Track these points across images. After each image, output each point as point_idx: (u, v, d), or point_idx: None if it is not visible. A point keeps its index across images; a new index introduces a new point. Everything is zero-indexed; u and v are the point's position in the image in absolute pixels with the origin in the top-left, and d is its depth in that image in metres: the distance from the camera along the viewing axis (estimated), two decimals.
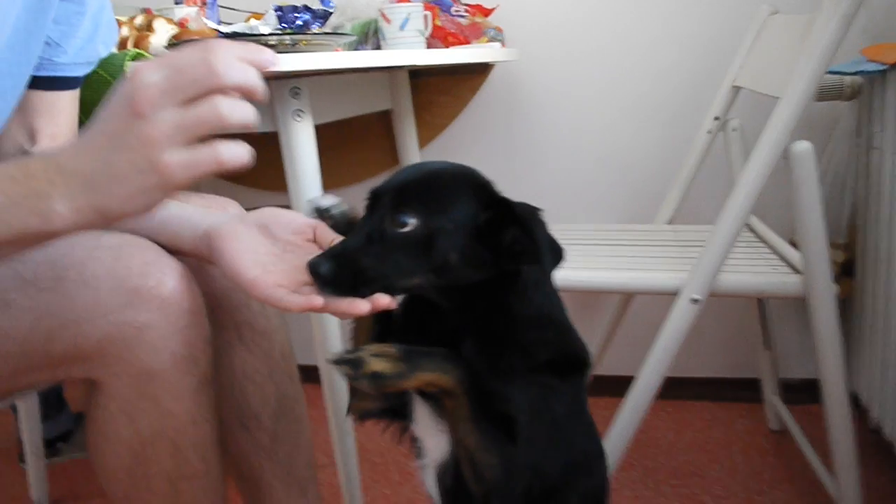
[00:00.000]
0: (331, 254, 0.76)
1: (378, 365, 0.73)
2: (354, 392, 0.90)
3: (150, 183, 0.60)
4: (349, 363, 0.73)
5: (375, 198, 0.80)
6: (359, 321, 0.91)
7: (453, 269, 0.77)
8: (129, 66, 1.04)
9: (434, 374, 0.76)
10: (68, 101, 1.01)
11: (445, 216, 0.77)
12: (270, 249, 0.81)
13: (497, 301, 0.81)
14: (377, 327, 0.89)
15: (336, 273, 0.74)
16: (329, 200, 0.88)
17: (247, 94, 0.61)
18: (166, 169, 0.59)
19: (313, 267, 0.74)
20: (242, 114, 0.60)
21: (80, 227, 0.62)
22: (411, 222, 0.76)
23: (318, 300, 0.74)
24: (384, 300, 0.75)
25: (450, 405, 0.78)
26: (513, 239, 0.77)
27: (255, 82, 0.61)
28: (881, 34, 1.60)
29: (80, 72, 1.01)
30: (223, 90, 0.60)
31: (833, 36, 1.08)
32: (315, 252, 0.81)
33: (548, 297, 0.84)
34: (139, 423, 0.83)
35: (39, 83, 0.96)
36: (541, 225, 0.76)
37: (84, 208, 0.61)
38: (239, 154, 0.61)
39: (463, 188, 0.80)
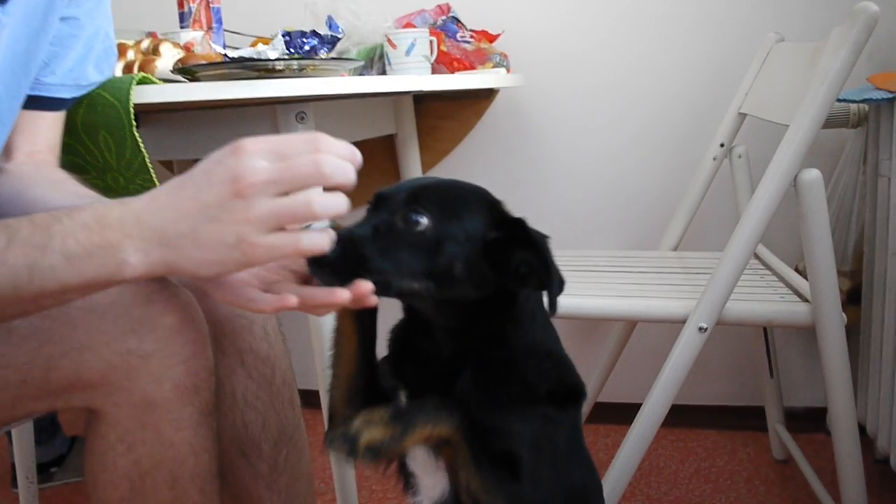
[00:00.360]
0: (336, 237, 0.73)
1: (371, 434, 0.71)
2: (334, 417, 0.88)
3: (232, 258, 0.63)
4: (344, 441, 0.71)
5: (381, 199, 0.78)
6: (339, 339, 0.87)
7: (455, 281, 0.76)
8: (135, 90, 1.03)
9: (429, 427, 0.74)
10: (51, 122, 1.00)
11: (458, 224, 0.76)
12: None
13: (493, 329, 0.80)
14: (360, 343, 0.86)
15: (336, 256, 0.71)
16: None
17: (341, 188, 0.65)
18: (250, 249, 0.63)
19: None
20: (334, 209, 0.64)
21: (148, 277, 0.65)
22: (423, 222, 0.74)
23: (291, 299, 0.70)
24: (365, 286, 0.70)
25: (449, 452, 0.77)
26: (521, 261, 0.76)
27: (353, 181, 0.65)
28: (886, 61, 1.60)
29: (67, 94, 1.00)
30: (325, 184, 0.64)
31: (843, 63, 1.08)
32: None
33: (543, 327, 0.84)
34: (138, 452, 0.81)
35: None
36: (550, 251, 0.76)
37: (156, 263, 0.64)
38: (319, 244, 0.65)
39: (477, 202, 0.79)
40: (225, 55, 1.12)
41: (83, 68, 1.01)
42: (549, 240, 0.77)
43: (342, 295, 0.70)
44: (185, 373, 0.81)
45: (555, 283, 0.75)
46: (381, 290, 0.74)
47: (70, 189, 0.94)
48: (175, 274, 0.64)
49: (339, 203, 0.64)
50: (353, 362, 0.86)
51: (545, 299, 0.78)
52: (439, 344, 0.82)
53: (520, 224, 0.78)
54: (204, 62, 1.18)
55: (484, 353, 0.80)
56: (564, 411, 0.83)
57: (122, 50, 1.31)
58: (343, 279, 0.71)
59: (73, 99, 1.02)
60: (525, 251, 0.76)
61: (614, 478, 1.24)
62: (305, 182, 0.63)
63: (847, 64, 1.09)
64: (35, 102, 0.97)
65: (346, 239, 0.73)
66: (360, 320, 0.85)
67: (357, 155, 0.67)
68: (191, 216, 0.63)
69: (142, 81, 1.05)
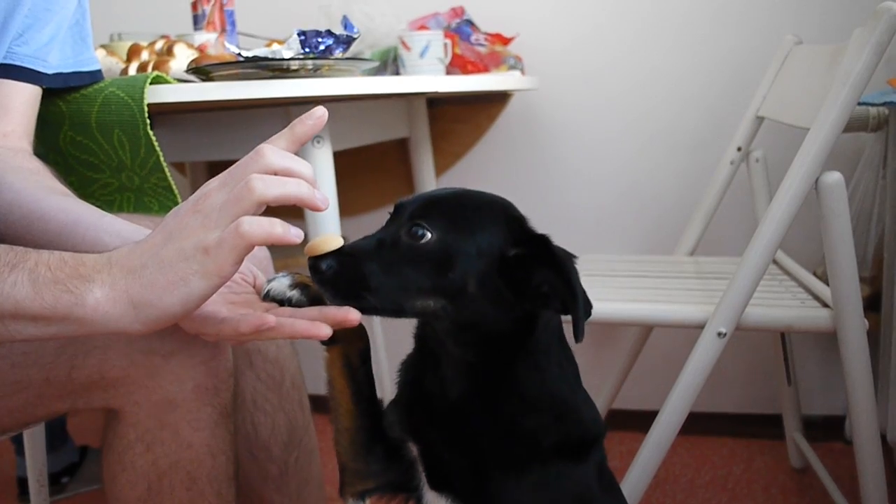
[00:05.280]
0: (334, 252, 0.70)
1: None
2: (344, 470, 0.85)
3: (191, 270, 0.61)
4: None
5: (398, 209, 0.75)
6: (333, 391, 0.83)
7: (471, 299, 0.71)
8: (149, 89, 1.03)
9: None
10: (26, 99, 0.98)
11: (469, 238, 0.71)
12: None
13: (505, 368, 0.75)
14: (354, 395, 0.82)
15: (337, 272, 0.69)
16: (283, 284, 0.77)
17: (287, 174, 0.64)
18: (203, 255, 0.61)
19: (314, 262, 0.69)
20: (275, 189, 0.62)
21: (109, 320, 0.62)
22: (428, 235, 0.70)
23: (270, 318, 0.68)
24: (353, 316, 0.68)
25: None
26: (543, 280, 0.71)
27: (296, 168, 0.64)
28: None
29: (40, 67, 0.98)
30: (268, 170, 0.63)
31: (865, 64, 1.06)
32: (251, 295, 0.77)
33: (559, 365, 0.78)
34: (157, 452, 0.81)
35: None
36: (576, 272, 0.71)
37: (120, 298, 0.62)
38: (260, 226, 0.61)
39: (495, 215, 0.75)
40: (239, 54, 1.11)
41: (55, 47, 0.99)
42: (575, 259, 0.72)
43: (322, 331, 0.67)
44: (206, 373, 0.81)
45: (580, 306, 0.69)
46: (390, 311, 0.72)
47: (44, 182, 0.92)
48: (140, 315, 0.62)
49: (280, 182, 0.62)
50: (350, 416, 0.83)
51: (566, 325, 0.75)
52: (446, 383, 0.77)
53: (543, 241, 0.73)
54: (218, 62, 1.17)
55: (490, 400, 0.76)
56: (582, 462, 0.78)
57: (136, 51, 1.31)
58: (345, 297, 0.69)
59: (47, 77, 1.00)
60: (547, 270, 0.71)
61: (630, 486, 1.22)
62: (246, 170, 0.63)
63: (869, 65, 1.07)
64: (7, 71, 0.95)
65: (346, 253, 0.70)
66: (350, 371, 0.82)
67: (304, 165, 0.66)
68: (155, 246, 0.63)
69: (156, 80, 1.04)
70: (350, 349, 0.81)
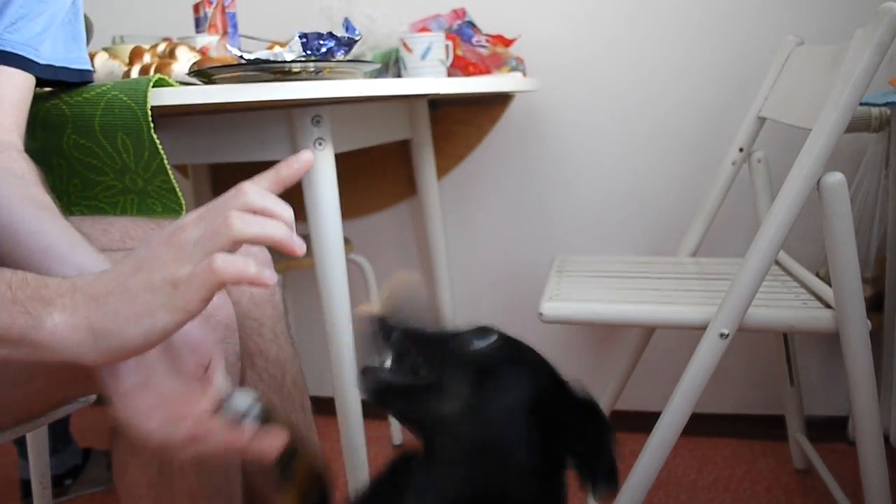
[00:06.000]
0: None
1: None
2: None
3: (157, 303, 0.58)
4: None
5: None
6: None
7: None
8: (151, 92, 1.03)
9: None
10: (16, 85, 0.96)
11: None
12: (160, 356, 0.68)
13: None
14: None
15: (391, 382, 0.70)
16: (244, 400, 0.69)
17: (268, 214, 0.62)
18: (173, 287, 0.58)
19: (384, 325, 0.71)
20: (257, 229, 0.60)
21: (66, 346, 0.59)
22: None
23: (213, 424, 0.65)
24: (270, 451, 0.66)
25: None
26: (579, 441, 0.72)
27: (276, 210, 0.61)
28: None
29: (31, 55, 0.96)
30: (248, 209, 0.61)
31: (868, 64, 1.06)
32: (199, 384, 0.70)
33: None
34: None
35: None
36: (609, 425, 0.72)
37: (79, 326, 0.59)
38: (233, 264, 0.58)
39: (534, 375, 0.75)
40: (241, 57, 1.12)
41: (45, 39, 0.98)
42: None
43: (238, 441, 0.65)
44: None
45: (616, 475, 0.72)
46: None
47: (27, 190, 0.88)
48: (99, 346, 0.59)
49: (259, 222, 0.60)
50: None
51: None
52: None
53: (591, 406, 0.74)
54: (220, 65, 1.17)
55: None
56: None
57: (138, 53, 1.31)
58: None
59: (38, 66, 0.98)
60: (588, 433, 0.72)
61: (633, 487, 1.22)
62: (226, 206, 0.61)
63: (871, 65, 1.07)
64: None
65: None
66: None
67: (284, 207, 0.63)
68: (123, 275, 0.61)
69: (158, 83, 1.04)
70: (307, 495, 0.75)
